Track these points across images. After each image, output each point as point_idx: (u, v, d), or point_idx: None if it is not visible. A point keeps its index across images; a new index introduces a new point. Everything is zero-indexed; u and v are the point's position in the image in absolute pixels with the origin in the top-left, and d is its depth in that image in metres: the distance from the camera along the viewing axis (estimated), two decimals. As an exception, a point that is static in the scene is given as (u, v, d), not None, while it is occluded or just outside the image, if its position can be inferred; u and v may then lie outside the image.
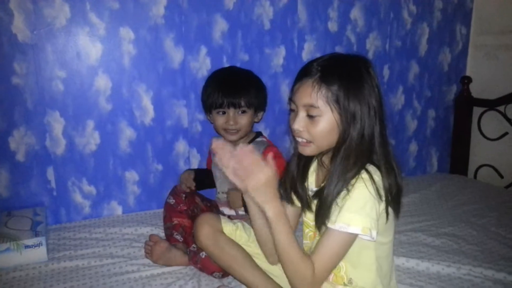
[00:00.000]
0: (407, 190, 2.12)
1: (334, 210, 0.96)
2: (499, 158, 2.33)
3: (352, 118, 0.95)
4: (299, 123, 0.99)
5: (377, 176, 0.96)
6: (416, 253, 1.51)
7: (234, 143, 1.60)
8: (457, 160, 2.49)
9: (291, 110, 1.04)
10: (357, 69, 0.98)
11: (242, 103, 1.56)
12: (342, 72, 0.97)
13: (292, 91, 1.03)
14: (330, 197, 0.97)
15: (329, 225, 0.96)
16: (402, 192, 1.02)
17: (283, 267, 0.99)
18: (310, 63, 1.01)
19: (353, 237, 0.96)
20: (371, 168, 0.97)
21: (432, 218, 1.83)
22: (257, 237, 1.14)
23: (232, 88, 1.58)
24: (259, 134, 1.70)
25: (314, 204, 1.05)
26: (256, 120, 1.66)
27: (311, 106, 0.97)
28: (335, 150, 0.99)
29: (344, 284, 1.06)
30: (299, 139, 1.02)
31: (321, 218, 0.99)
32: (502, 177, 2.31)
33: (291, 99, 1.03)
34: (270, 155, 0.98)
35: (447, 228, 1.73)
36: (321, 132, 0.98)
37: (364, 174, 0.95)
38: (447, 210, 1.93)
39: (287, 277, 0.99)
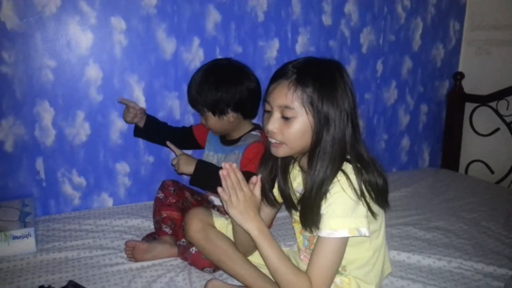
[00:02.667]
0: (398, 184, 2.14)
1: (319, 217, 0.97)
2: (490, 153, 2.35)
3: (325, 121, 0.96)
4: (273, 124, 0.99)
5: (353, 175, 0.96)
6: (407, 247, 1.52)
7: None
8: (448, 155, 2.51)
9: (266, 111, 1.04)
10: (331, 73, 0.98)
11: (199, 106, 1.55)
12: (317, 75, 0.97)
13: (267, 92, 1.03)
14: (311, 201, 0.98)
15: (318, 233, 0.97)
16: (385, 185, 1.01)
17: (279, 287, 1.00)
18: (286, 65, 1.02)
19: (343, 241, 0.96)
20: (348, 168, 0.97)
21: (423, 212, 1.83)
22: (234, 235, 1.17)
23: (191, 91, 1.57)
24: (256, 127, 1.63)
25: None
26: (228, 119, 1.53)
27: (286, 107, 0.97)
28: (310, 153, 0.99)
29: (339, 272, 1.07)
30: (272, 140, 1.02)
31: (306, 222, 1.00)
32: (492, 172, 2.33)
33: (265, 100, 1.03)
34: (254, 178, 1.02)
35: (438, 222, 1.74)
36: (295, 134, 0.98)
37: (340, 176, 0.96)
38: (438, 204, 1.94)
39: None
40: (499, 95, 2.21)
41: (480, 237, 1.61)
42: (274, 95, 0.99)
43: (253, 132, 1.60)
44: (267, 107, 1.02)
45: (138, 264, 1.37)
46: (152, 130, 1.71)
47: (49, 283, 1.24)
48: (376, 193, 0.98)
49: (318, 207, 0.97)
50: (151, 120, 1.71)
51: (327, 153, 0.96)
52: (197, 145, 1.76)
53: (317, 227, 0.98)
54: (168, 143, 1.61)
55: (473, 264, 1.40)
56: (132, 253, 1.40)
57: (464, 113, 2.42)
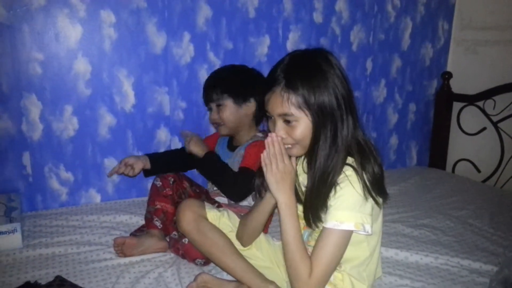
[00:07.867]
0: (387, 183, 2.13)
1: (325, 210, 0.99)
2: (477, 152, 2.38)
3: (322, 114, 0.97)
4: (280, 131, 1.02)
5: (361, 170, 0.97)
6: (395, 243, 1.53)
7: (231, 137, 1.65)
8: (436, 154, 2.53)
9: (269, 117, 1.06)
10: (317, 65, 0.99)
11: (214, 96, 1.56)
12: (303, 73, 0.99)
13: (264, 101, 1.04)
14: (315, 195, 1.00)
15: (323, 224, 0.98)
16: (381, 171, 1.03)
17: (286, 264, 1.01)
18: (274, 70, 1.03)
19: (347, 234, 0.97)
20: (356, 163, 0.98)
21: (410, 210, 1.85)
22: (246, 218, 1.17)
23: (206, 84, 1.61)
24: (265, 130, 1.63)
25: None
26: (247, 111, 1.56)
27: (285, 114, 1.00)
28: (309, 149, 1.01)
29: None
30: (286, 146, 1.03)
31: (310, 217, 1.02)
32: (479, 171, 2.36)
33: (266, 109, 1.04)
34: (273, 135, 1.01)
35: (425, 219, 1.75)
36: (301, 134, 1.00)
37: (349, 171, 0.97)
38: (426, 202, 1.96)
39: (288, 274, 1.01)
40: (486, 94, 2.24)
41: (467, 234, 1.63)
42: (271, 105, 1.01)
43: (259, 134, 1.61)
44: (268, 114, 1.04)
45: (127, 260, 1.36)
46: (161, 166, 1.65)
47: (36, 279, 1.23)
48: (374, 183, 0.99)
49: (324, 202, 0.99)
50: (155, 158, 1.66)
51: (327, 147, 0.98)
52: None
53: (321, 222, 1.00)
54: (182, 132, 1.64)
55: (459, 260, 1.42)
56: (121, 249, 1.39)
57: (451, 112, 2.45)
